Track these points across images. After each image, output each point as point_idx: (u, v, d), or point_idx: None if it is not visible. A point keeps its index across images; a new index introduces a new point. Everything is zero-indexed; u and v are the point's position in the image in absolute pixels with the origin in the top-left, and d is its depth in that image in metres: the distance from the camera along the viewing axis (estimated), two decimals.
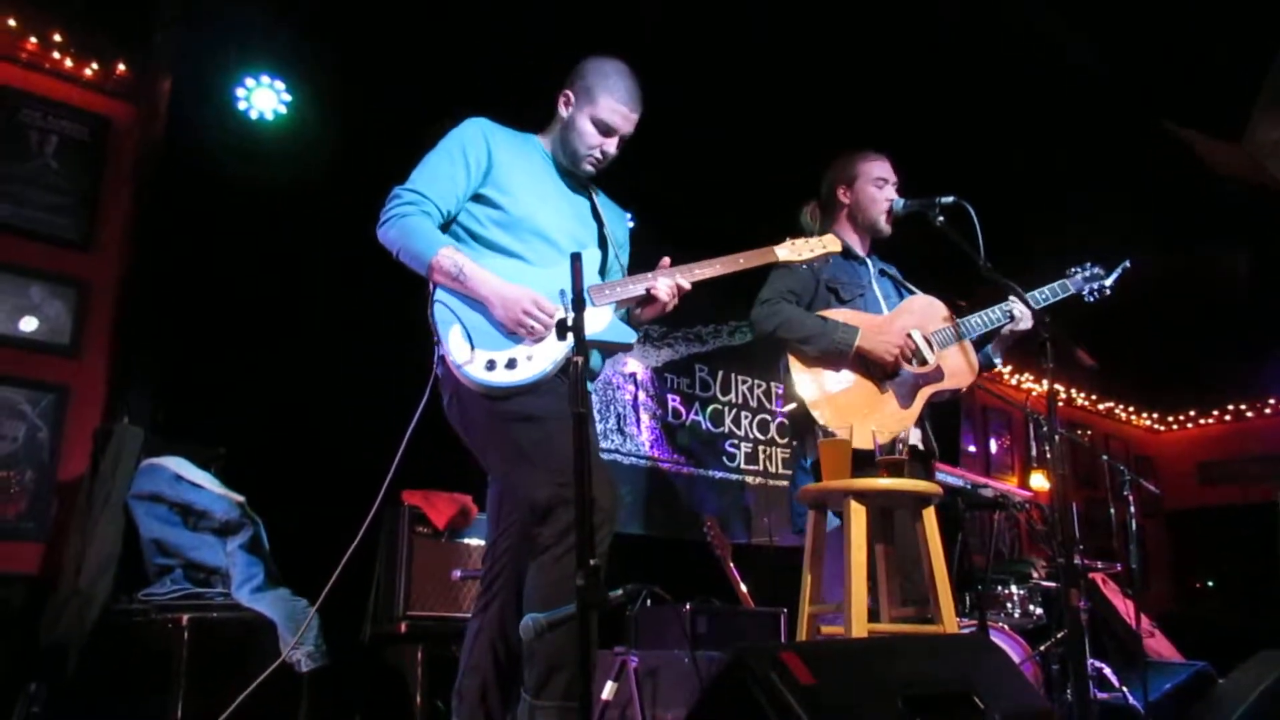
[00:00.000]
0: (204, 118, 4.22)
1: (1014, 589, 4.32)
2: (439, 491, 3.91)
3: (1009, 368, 8.52)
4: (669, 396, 6.01)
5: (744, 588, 4.34)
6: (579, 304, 1.90)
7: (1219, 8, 4.43)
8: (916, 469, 3.00)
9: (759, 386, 6.58)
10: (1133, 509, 4.59)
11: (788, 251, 2.68)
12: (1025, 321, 3.11)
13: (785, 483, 6.31)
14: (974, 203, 2.99)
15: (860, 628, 2.50)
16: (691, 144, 5.10)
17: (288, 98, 4.38)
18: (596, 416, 4.65)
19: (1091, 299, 3.32)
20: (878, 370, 2.99)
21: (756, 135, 5.14)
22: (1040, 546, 5.57)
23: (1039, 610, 4.33)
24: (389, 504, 3.79)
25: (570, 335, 1.89)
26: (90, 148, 4.09)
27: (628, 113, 2.51)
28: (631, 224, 2.87)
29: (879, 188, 3.24)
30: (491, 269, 2.35)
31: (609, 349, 2.55)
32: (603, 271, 2.62)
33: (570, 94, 2.55)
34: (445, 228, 2.45)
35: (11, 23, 3.92)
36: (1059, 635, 3.99)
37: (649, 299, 2.46)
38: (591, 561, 1.69)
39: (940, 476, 3.70)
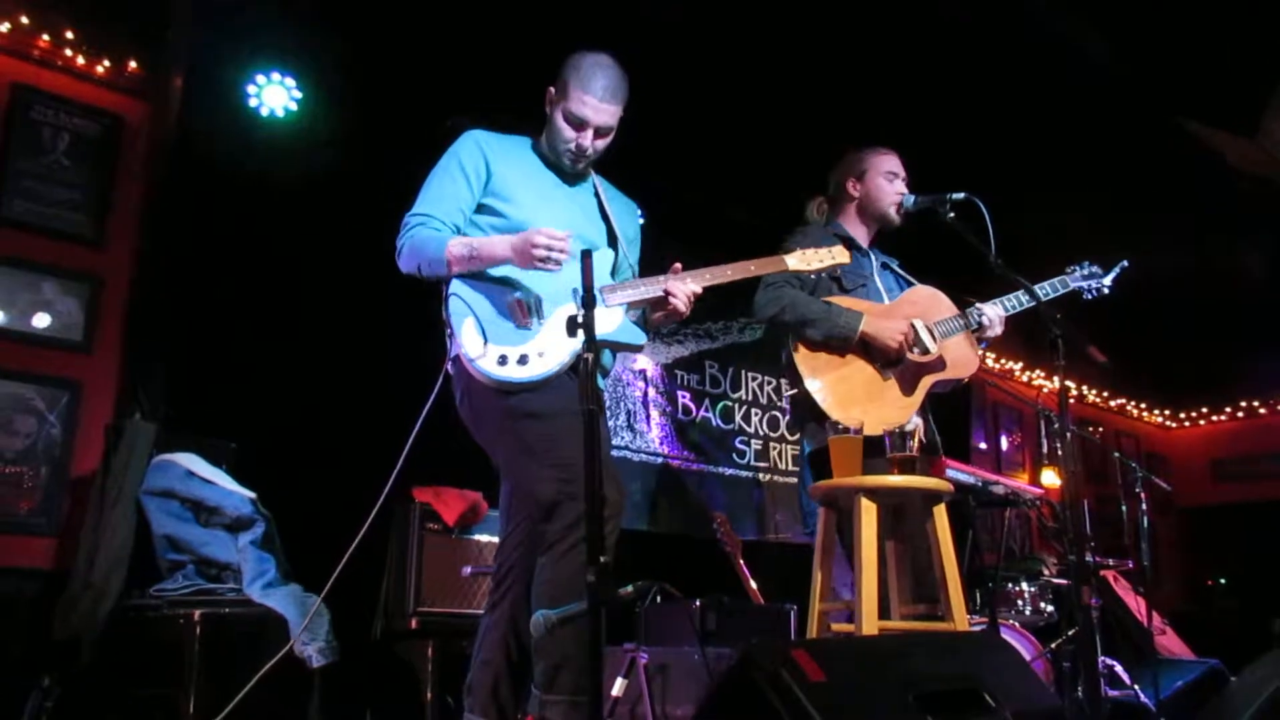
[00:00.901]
0: (215, 114, 4.22)
1: (1025, 586, 4.31)
2: (449, 488, 3.92)
3: (1019, 364, 8.49)
4: (679, 393, 6.00)
5: (754, 584, 4.34)
6: (589, 301, 1.90)
7: (1232, 3, 4.40)
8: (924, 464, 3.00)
9: (769, 383, 6.56)
10: (1144, 506, 4.58)
11: (797, 261, 2.69)
12: (995, 328, 3.16)
13: (795, 480, 6.29)
14: (985, 199, 2.98)
15: (871, 625, 2.50)
16: (700, 140, 5.10)
17: (298, 94, 4.38)
18: (607, 414, 4.65)
19: (1090, 296, 3.33)
20: (880, 357, 3.01)
21: (766, 131, 5.13)
22: (1051, 544, 5.54)
23: (1050, 607, 4.31)
24: (400, 500, 3.80)
25: (581, 332, 1.89)
26: (102, 144, 4.10)
27: (597, 103, 2.46)
28: (642, 220, 2.84)
29: (889, 181, 3.26)
30: (502, 273, 2.38)
31: (619, 349, 2.55)
32: (613, 272, 2.63)
33: (552, 89, 2.55)
34: None
35: (24, 20, 3.93)
36: (1070, 633, 3.98)
37: (661, 302, 2.46)
38: (602, 558, 1.69)
39: (951, 473, 3.70)
